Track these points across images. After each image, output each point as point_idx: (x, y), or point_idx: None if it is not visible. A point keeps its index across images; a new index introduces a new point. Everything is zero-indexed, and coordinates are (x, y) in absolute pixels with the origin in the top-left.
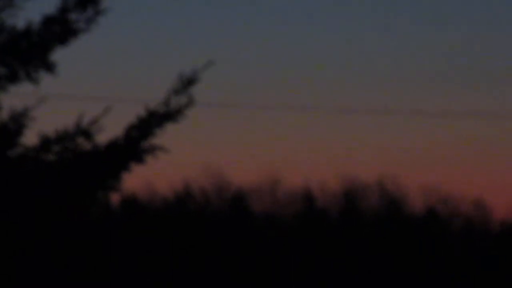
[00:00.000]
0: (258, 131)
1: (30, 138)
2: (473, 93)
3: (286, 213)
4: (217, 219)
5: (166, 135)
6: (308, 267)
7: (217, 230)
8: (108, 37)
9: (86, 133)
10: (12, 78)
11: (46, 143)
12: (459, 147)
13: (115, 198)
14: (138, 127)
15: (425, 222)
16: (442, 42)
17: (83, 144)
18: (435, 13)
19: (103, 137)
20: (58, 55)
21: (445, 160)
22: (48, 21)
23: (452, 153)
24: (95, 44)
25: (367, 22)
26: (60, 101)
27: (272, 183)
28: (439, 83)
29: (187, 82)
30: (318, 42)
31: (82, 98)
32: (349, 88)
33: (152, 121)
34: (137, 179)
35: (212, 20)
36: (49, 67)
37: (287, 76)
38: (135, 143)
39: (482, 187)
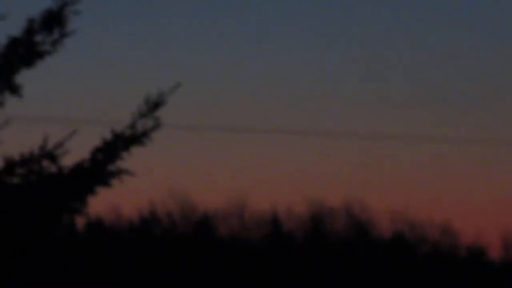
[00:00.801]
0: (225, 154)
1: None
2: (438, 116)
3: (253, 236)
4: (183, 243)
5: (132, 158)
6: None
7: (182, 254)
8: (74, 59)
9: (51, 156)
10: None
11: (10, 165)
12: (426, 171)
13: (80, 221)
14: (104, 150)
15: (392, 247)
16: (414, 63)
17: (48, 167)
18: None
19: (68, 160)
20: (23, 77)
21: (413, 184)
22: (13, 42)
23: (419, 176)
24: (61, 66)
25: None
26: (25, 123)
27: (239, 206)
28: (404, 105)
29: (154, 105)
30: (281, 63)
31: (47, 120)
32: (316, 110)
33: (118, 144)
34: (102, 202)
35: (179, 42)
36: (14, 90)
37: (254, 98)
38: (101, 166)
39: (449, 211)
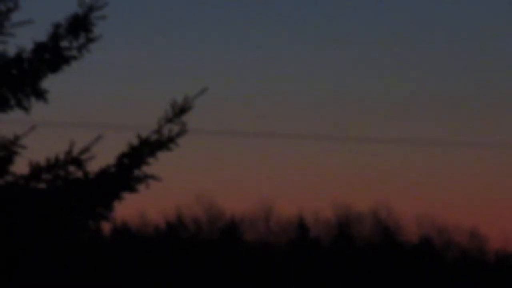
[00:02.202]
0: (251, 159)
1: (20, 166)
2: (470, 123)
3: (280, 241)
4: (210, 248)
5: (158, 163)
6: None
7: (209, 259)
8: (100, 64)
9: (77, 161)
10: (2, 105)
11: (36, 171)
12: (455, 177)
13: (106, 226)
14: (130, 155)
15: (420, 252)
16: (447, 67)
17: (74, 172)
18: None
19: (94, 166)
20: (49, 82)
21: (440, 189)
22: (40, 48)
23: (447, 181)
24: (87, 71)
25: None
26: (51, 129)
27: (265, 211)
28: (428, 111)
29: (180, 110)
30: (310, 68)
31: (73, 125)
32: (345, 116)
33: (144, 149)
34: (128, 208)
35: (206, 47)
36: (40, 95)
37: (282, 103)
38: (127, 172)
39: (477, 217)
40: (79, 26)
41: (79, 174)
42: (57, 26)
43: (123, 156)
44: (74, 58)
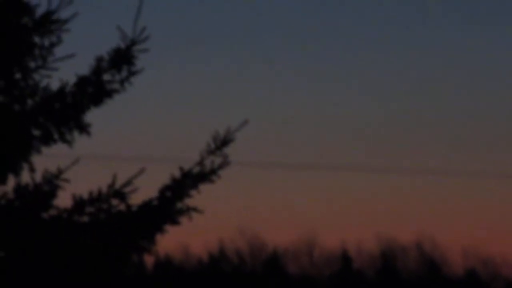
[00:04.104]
0: (294, 191)
1: (63, 199)
2: (506, 153)
3: (323, 274)
4: (252, 280)
5: (200, 195)
6: None
7: None
8: (142, 96)
9: (120, 194)
10: (46, 139)
11: (79, 204)
12: (500, 208)
13: (149, 259)
14: (172, 188)
15: (465, 284)
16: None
17: (117, 205)
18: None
19: (137, 198)
20: (92, 115)
21: (485, 220)
22: (82, 82)
23: (493, 213)
24: (129, 103)
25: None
26: (94, 162)
27: (308, 243)
28: (475, 142)
29: (222, 142)
30: (349, 99)
31: (116, 158)
32: (387, 147)
33: (187, 181)
34: (171, 240)
35: (247, 77)
36: (83, 128)
37: (323, 135)
38: (169, 204)
39: None
40: (121, 59)
41: (122, 207)
42: (99, 60)
43: (165, 188)
44: (116, 91)
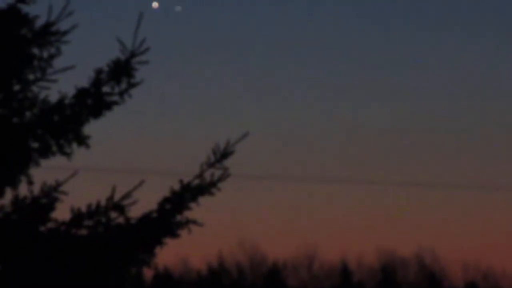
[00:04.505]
0: (294, 204)
1: (62, 212)
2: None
3: (323, 286)
4: None
5: (200, 208)
6: None
7: None
8: (141, 108)
9: (118, 207)
10: (44, 152)
11: (78, 217)
12: (500, 221)
13: (148, 272)
14: (172, 200)
15: None
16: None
17: (116, 218)
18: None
19: (136, 211)
20: (91, 127)
21: (485, 233)
22: (82, 94)
23: (493, 226)
24: (128, 116)
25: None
26: (92, 174)
27: (308, 256)
28: (478, 155)
29: (222, 155)
30: (347, 115)
31: (115, 171)
32: (387, 160)
33: (186, 194)
34: (170, 253)
35: (247, 91)
36: (82, 141)
37: (323, 148)
38: (168, 217)
39: None
40: (121, 71)
41: (121, 220)
42: (99, 72)
43: (164, 201)
44: (116, 103)
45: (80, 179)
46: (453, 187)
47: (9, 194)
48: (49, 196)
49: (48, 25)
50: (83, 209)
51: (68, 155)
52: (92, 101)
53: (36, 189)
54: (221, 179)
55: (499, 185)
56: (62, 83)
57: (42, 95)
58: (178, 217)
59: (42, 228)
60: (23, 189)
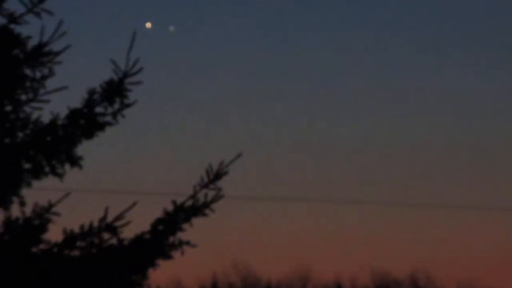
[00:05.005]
0: (287, 224)
1: (54, 233)
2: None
3: None
4: None
5: (193, 229)
6: None
7: None
8: (133, 129)
9: (111, 228)
10: (36, 173)
11: (70, 238)
12: (495, 242)
13: None
14: (165, 221)
15: None
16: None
17: (109, 239)
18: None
19: (129, 232)
20: (83, 148)
21: (481, 254)
22: (74, 114)
23: (488, 248)
24: (120, 136)
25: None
26: (85, 195)
27: (302, 277)
28: (471, 176)
29: (215, 175)
30: (341, 133)
31: (107, 192)
32: (382, 181)
33: (179, 215)
34: (163, 275)
35: (240, 112)
36: (75, 161)
37: (317, 168)
38: (161, 238)
39: None
40: (114, 92)
41: (114, 241)
42: (91, 92)
43: (157, 222)
44: (109, 124)
45: (72, 200)
46: (448, 207)
47: (1, 215)
48: (42, 217)
49: (40, 45)
50: (76, 230)
51: (60, 176)
52: (85, 122)
53: (28, 210)
54: (214, 199)
55: (496, 205)
56: (55, 103)
57: (34, 115)
58: (171, 239)
59: (34, 249)
60: (15, 210)
